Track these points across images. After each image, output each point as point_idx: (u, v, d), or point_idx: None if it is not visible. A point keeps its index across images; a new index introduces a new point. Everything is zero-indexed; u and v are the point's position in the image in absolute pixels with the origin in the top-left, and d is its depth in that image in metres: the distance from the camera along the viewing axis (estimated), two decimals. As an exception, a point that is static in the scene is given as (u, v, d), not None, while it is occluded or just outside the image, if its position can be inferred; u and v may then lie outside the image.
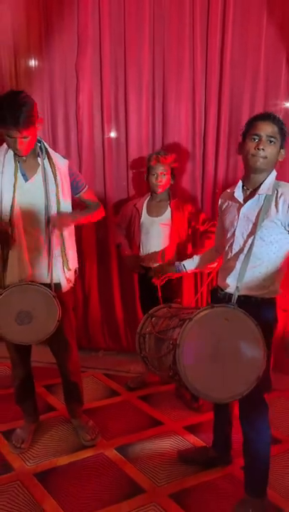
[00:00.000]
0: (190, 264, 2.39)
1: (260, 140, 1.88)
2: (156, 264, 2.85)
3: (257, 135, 1.89)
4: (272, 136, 1.88)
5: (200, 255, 2.41)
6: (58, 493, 2.20)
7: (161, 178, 2.91)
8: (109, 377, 3.42)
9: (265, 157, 1.89)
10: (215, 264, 2.37)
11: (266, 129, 1.88)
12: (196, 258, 2.39)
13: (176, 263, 2.42)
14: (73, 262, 2.47)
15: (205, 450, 2.47)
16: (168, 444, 2.60)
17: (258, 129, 1.89)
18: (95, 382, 3.34)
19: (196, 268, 2.39)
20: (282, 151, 1.94)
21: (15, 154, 2.26)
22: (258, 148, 1.88)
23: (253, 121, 1.92)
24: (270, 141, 1.89)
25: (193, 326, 1.77)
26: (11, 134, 2.14)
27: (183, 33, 3.23)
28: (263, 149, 1.88)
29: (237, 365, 1.80)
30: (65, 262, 2.40)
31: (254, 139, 1.89)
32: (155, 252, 2.96)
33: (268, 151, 1.89)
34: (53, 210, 2.31)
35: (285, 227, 1.90)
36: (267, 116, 1.90)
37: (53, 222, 2.29)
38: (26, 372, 2.58)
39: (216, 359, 1.78)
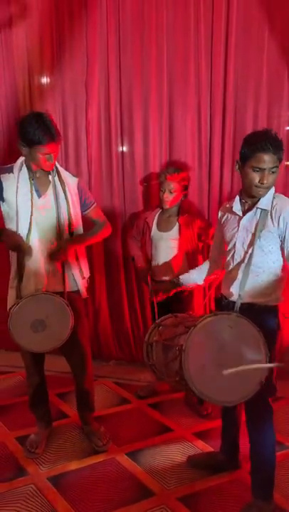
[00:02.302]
0: (187, 279, 2.43)
1: (263, 174, 1.93)
2: (165, 278, 2.95)
3: (260, 168, 1.93)
4: (274, 167, 1.94)
5: (196, 269, 2.47)
6: (70, 496, 2.28)
7: (167, 194, 2.96)
8: (120, 385, 3.49)
9: (268, 187, 1.97)
10: (213, 277, 2.42)
11: (269, 162, 1.92)
12: (193, 272, 2.45)
13: (174, 279, 2.48)
14: (86, 271, 2.60)
15: (213, 455, 2.53)
16: (177, 449, 2.67)
17: (261, 162, 1.91)
18: (106, 390, 3.41)
19: (193, 282, 2.44)
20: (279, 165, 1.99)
21: (29, 171, 2.39)
22: (262, 182, 1.94)
23: (255, 151, 1.91)
24: (273, 172, 1.95)
25: (198, 332, 1.86)
26: (45, 151, 2.28)
27: (188, 50, 3.34)
28: (270, 181, 1.95)
29: (240, 369, 1.87)
30: (80, 271, 2.52)
31: (257, 171, 1.94)
32: (163, 265, 3.03)
33: (270, 181, 1.95)
34: (65, 223, 2.44)
35: (279, 237, 1.99)
36: (268, 148, 1.89)
37: (53, 257, 2.41)
38: (40, 379, 2.67)
39: (220, 364, 1.85)
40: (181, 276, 2.46)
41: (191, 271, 2.49)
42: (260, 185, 1.95)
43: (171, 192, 2.96)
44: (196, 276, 2.44)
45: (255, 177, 1.95)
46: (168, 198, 2.97)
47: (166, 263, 3.03)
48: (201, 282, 2.45)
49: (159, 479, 2.40)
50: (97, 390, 3.14)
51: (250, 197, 2.04)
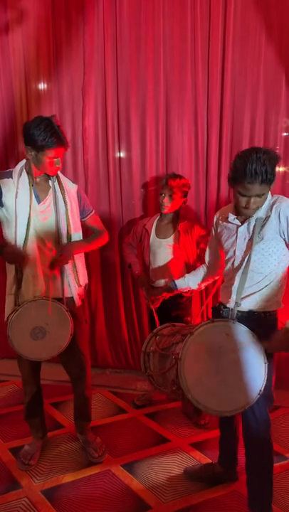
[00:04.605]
0: (181, 283, 2.45)
1: (249, 200, 1.92)
2: (162, 281, 2.92)
3: (245, 196, 1.92)
4: (259, 194, 1.91)
5: (191, 273, 2.47)
6: (64, 510, 2.22)
7: (167, 198, 2.92)
8: (116, 394, 3.44)
9: (256, 208, 1.96)
10: (207, 283, 2.44)
11: (254, 191, 1.89)
12: (188, 277, 2.46)
13: (168, 283, 2.47)
14: (83, 278, 2.56)
15: (211, 466, 2.48)
16: (174, 461, 2.61)
17: (246, 190, 1.89)
18: (102, 399, 3.36)
19: (187, 286, 2.45)
20: (271, 186, 1.94)
21: (29, 177, 2.36)
22: (247, 207, 1.94)
23: (242, 180, 1.88)
24: (259, 196, 1.92)
25: (194, 340, 1.83)
26: (52, 154, 2.26)
27: (185, 57, 3.33)
28: (252, 206, 1.94)
29: (238, 379, 1.84)
30: (76, 278, 2.49)
31: (243, 196, 1.92)
32: (161, 271, 3.00)
33: (257, 203, 1.94)
34: (63, 229, 2.41)
35: (280, 234, 1.96)
36: (255, 179, 1.85)
37: (55, 261, 2.38)
38: (36, 388, 2.62)
39: (217, 373, 1.82)
40: (176, 281, 2.47)
41: (186, 275, 2.49)
42: (245, 208, 1.95)
43: (171, 197, 2.92)
44: (189, 281, 2.44)
45: (242, 201, 1.94)
46: (167, 202, 2.93)
47: (164, 269, 2.99)
48: (194, 287, 2.46)
49: (155, 492, 2.35)
50: (93, 399, 3.09)
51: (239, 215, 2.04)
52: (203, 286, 2.49)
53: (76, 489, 2.38)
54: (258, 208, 1.96)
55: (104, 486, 2.40)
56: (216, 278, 2.42)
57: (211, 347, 1.87)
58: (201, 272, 2.43)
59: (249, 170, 1.84)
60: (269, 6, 3.16)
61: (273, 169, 1.87)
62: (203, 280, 2.43)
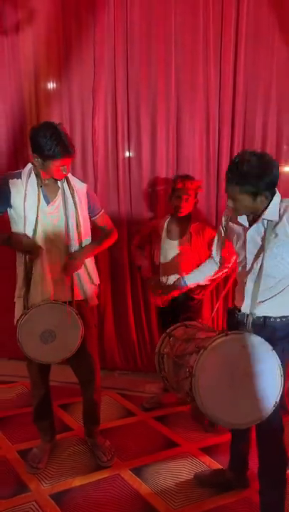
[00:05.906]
0: (190, 279, 2.45)
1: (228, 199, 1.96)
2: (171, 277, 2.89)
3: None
4: (231, 196, 1.92)
5: (199, 269, 2.47)
6: (73, 515, 2.20)
7: (184, 201, 2.88)
8: (125, 397, 3.41)
9: (235, 210, 1.96)
10: (215, 277, 2.44)
11: (228, 191, 1.93)
12: (196, 272, 2.45)
13: (177, 279, 2.47)
14: (96, 278, 2.54)
15: (221, 472, 2.44)
16: (184, 465, 2.58)
17: (226, 189, 1.94)
18: (111, 402, 3.33)
19: (195, 281, 2.46)
20: (260, 198, 1.90)
21: (37, 178, 2.34)
22: (228, 205, 1.97)
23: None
24: (233, 199, 1.92)
25: (208, 354, 1.78)
26: (59, 164, 2.24)
27: (196, 56, 3.29)
28: (230, 206, 1.96)
29: (254, 391, 1.80)
30: (89, 278, 2.47)
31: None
32: (172, 272, 2.96)
33: (235, 206, 1.94)
34: (73, 230, 2.38)
35: None
36: (228, 179, 1.90)
37: (66, 270, 2.37)
38: (45, 391, 2.60)
39: (232, 386, 1.78)
40: (185, 277, 2.47)
41: (194, 270, 2.48)
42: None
43: (187, 199, 2.89)
44: (197, 276, 2.45)
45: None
46: (185, 205, 2.90)
47: (175, 270, 2.95)
48: (203, 282, 2.48)
49: (164, 498, 2.32)
50: (102, 401, 3.05)
51: None
52: (210, 280, 2.50)
53: (85, 493, 2.35)
54: (238, 212, 1.97)
55: (113, 491, 2.37)
56: (224, 270, 2.42)
57: (226, 360, 1.82)
58: (208, 266, 2.42)
59: (228, 171, 1.88)
60: (282, 3, 3.11)
61: (250, 177, 1.84)
62: (212, 275, 2.42)
